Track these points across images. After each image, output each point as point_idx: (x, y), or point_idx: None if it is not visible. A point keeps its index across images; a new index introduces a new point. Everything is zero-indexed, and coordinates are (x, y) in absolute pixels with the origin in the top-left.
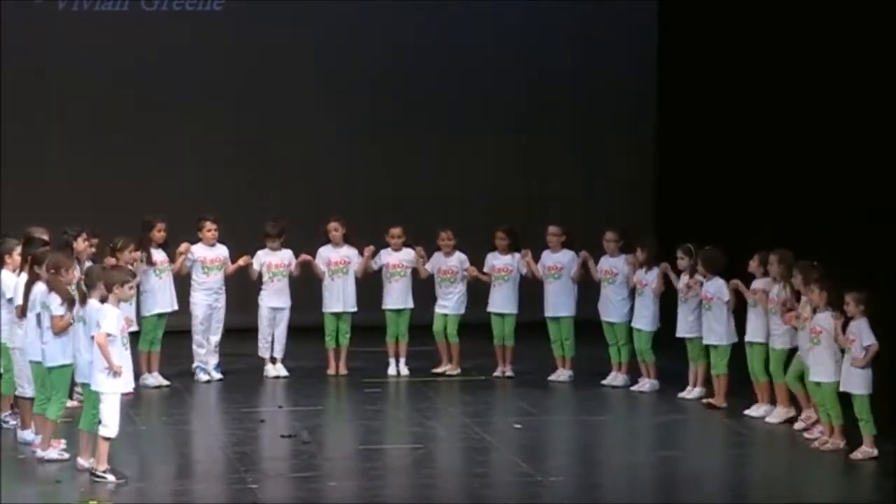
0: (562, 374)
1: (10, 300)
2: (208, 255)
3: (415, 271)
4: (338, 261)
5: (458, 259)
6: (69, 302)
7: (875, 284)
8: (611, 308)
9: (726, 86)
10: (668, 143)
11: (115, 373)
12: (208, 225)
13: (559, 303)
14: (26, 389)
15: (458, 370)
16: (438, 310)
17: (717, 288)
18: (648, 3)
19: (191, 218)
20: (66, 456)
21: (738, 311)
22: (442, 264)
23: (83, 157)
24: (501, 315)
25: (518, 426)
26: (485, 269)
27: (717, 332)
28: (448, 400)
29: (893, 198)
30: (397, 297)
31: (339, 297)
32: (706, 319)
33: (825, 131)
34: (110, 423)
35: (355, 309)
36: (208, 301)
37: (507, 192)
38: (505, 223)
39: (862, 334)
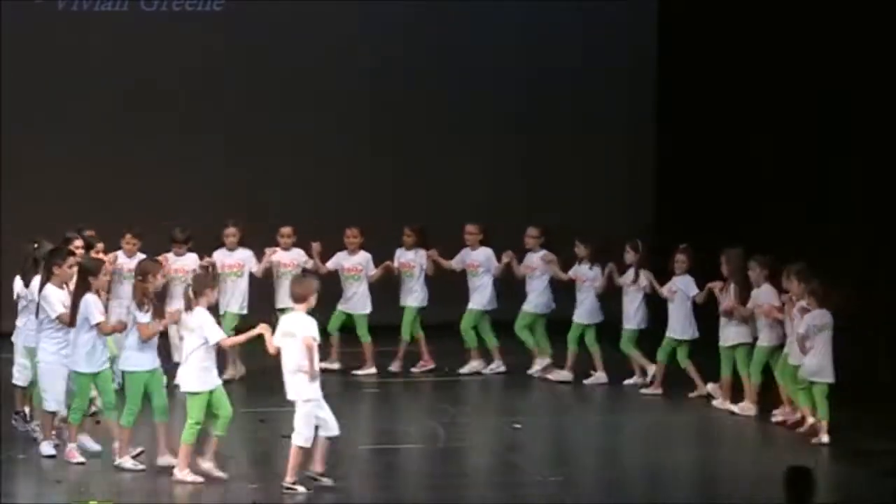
0: (474, 366)
1: (30, 304)
2: (127, 265)
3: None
4: (231, 264)
5: (364, 257)
6: (154, 309)
7: (875, 284)
8: (530, 300)
9: (726, 85)
10: (668, 143)
11: (313, 377)
12: (128, 237)
13: (476, 298)
14: (51, 403)
15: (374, 370)
16: (342, 308)
17: (685, 283)
18: (648, 3)
19: (189, 218)
20: (141, 466)
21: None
22: (345, 262)
23: (83, 157)
24: (403, 307)
25: (518, 426)
26: (393, 264)
27: (674, 327)
28: (447, 400)
29: (893, 198)
30: (281, 296)
31: (231, 299)
32: (670, 310)
33: (825, 131)
34: (304, 430)
35: (245, 312)
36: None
37: (507, 193)
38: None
39: (801, 324)
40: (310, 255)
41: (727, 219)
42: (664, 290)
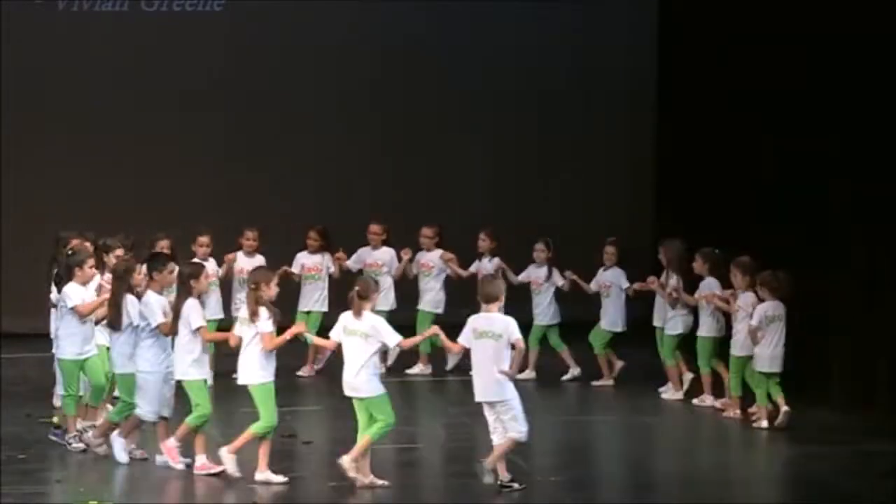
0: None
1: (72, 310)
2: None
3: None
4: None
5: (261, 261)
6: (275, 317)
7: (875, 284)
8: (423, 298)
9: (727, 85)
10: (668, 143)
11: (513, 377)
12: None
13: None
14: (147, 413)
15: None
16: (237, 313)
17: (617, 276)
18: (648, 4)
19: (189, 219)
20: (285, 479)
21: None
22: (245, 265)
23: (83, 157)
24: (308, 312)
25: None
26: (292, 268)
27: (609, 317)
28: (447, 400)
29: (893, 199)
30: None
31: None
32: (603, 304)
33: (825, 132)
34: (523, 425)
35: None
36: None
37: (506, 192)
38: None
39: (754, 315)
40: (220, 264)
41: (727, 219)
42: (591, 285)
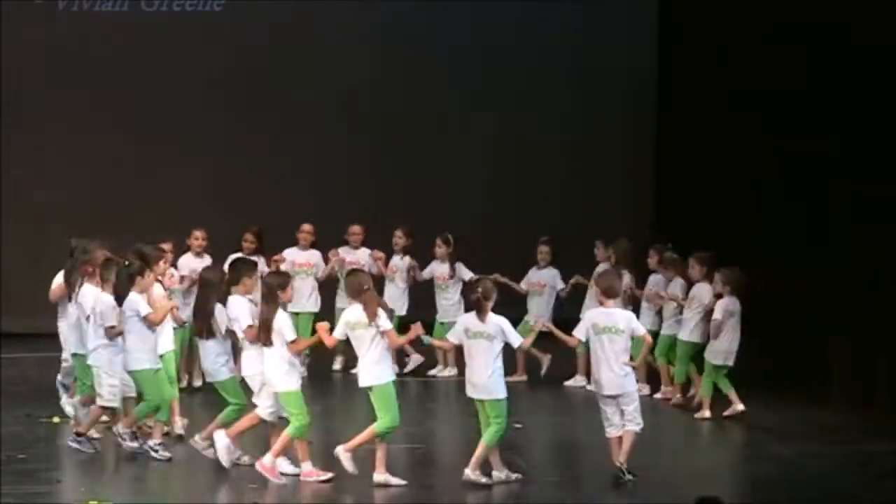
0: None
1: (145, 318)
2: None
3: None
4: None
5: (209, 262)
6: (390, 315)
7: (876, 284)
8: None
9: (727, 85)
10: (668, 143)
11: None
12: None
13: (303, 299)
14: (269, 412)
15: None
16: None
17: (552, 276)
18: (648, 4)
19: (189, 219)
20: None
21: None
22: (197, 266)
23: (83, 157)
24: None
25: (518, 426)
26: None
27: (540, 313)
28: (447, 399)
29: (893, 199)
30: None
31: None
32: (536, 303)
33: (825, 132)
34: (640, 418)
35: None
36: None
37: (506, 194)
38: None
39: (717, 310)
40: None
41: (727, 219)
42: (522, 284)
